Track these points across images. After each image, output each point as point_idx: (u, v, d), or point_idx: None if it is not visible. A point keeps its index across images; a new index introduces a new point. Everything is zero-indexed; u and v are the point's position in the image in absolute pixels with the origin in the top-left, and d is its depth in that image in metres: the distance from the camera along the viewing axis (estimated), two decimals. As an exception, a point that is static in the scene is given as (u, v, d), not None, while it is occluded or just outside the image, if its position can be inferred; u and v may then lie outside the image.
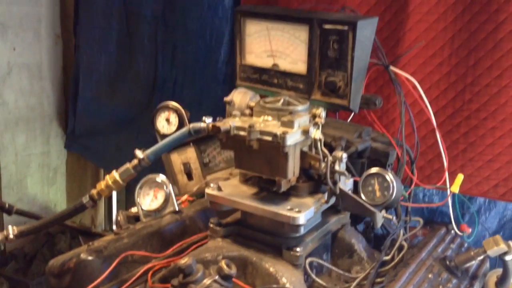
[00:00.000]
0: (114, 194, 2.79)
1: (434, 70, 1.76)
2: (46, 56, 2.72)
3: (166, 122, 1.47)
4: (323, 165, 1.05)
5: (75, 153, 2.88)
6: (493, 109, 1.69)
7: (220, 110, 1.19)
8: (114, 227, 1.33)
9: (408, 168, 1.37)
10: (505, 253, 1.10)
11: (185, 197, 1.39)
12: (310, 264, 1.05)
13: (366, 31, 1.20)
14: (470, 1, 1.66)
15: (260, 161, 1.05)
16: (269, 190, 1.09)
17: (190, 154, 1.49)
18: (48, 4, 2.68)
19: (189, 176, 1.49)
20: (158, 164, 1.49)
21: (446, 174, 1.39)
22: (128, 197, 2.78)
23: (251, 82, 1.31)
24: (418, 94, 1.50)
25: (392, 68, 1.43)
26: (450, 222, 1.42)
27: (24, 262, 2.57)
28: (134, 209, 1.30)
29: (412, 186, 1.34)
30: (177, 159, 1.49)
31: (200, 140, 1.49)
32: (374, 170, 1.14)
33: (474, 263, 1.16)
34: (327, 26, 1.18)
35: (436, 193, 1.83)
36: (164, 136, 1.42)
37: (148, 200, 1.28)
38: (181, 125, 1.45)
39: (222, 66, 2.21)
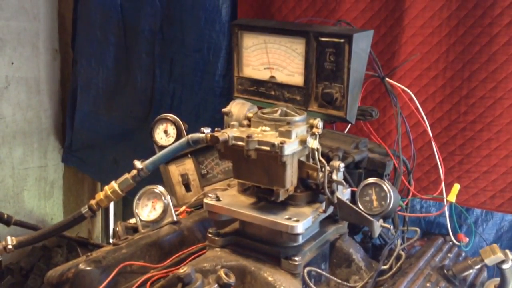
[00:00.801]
0: (111, 207, 2.79)
1: (430, 83, 1.78)
2: (44, 70, 2.73)
3: (164, 134, 1.48)
4: (320, 174, 1.06)
5: (72, 166, 2.88)
6: (489, 121, 1.71)
7: (218, 123, 1.20)
8: (111, 239, 1.33)
9: (405, 178, 1.38)
10: (502, 262, 1.11)
11: (183, 208, 1.40)
12: (309, 273, 1.05)
13: (362, 44, 1.21)
14: (464, 15, 1.69)
15: (258, 171, 1.06)
16: (267, 200, 1.09)
17: (188, 165, 1.50)
18: (46, 19, 2.70)
19: (187, 187, 1.49)
20: (156, 176, 1.49)
21: (443, 184, 1.40)
22: (125, 210, 2.78)
23: (248, 94, 1.33)
24: (415, 106, 1.51)
25: (388, 80, 1.45)
26: (448, 234, 1.42)
27: (21, 276, 2.55)
28: (132, 220, 1.30)
29: (409, 196, 1.35)
30: (175, 170, 1.49)
31: (198, 151, 1.50)
32: (371, 180, 1.15)
33: (472, 272, 1.16)
34: (324, 39, 1.20)
35: (433, 205, 1.83)
36: (162, 147, 1.43)
37: (147, 211, 1.28)
38: (179, 136, 1.46)
39: (220, 80, 2.23)
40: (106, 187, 1.11)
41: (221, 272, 0.93)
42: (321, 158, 1.06)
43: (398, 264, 1.14)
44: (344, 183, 1.07)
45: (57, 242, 2.74)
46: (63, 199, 2.91)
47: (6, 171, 2.61)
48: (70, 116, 2.74)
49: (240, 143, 1.05)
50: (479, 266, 1.13)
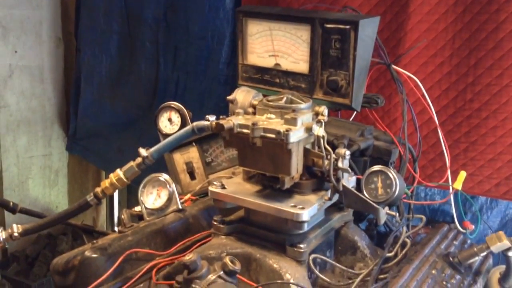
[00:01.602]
0: (116, 196, 2.80)
1: (435, 70, 1.76)
2: (48, 58, 2.73)
3: (169, 122, 1.48)
4: (326, 162, 1.06)
5: (76, 155, 2.88)
6: (494, 108, 1.70)
7: (222, 112, 1.20)
8: (116, 228, 1.33)
9: (410, 166, 1.37)
10: (508, 249, 1.11)
11: (188, 196, 1.40)
12: (314, 260, 1.05)
13: (368, 30, 1.20)
14: (471, 1, 1.67)
15: (264, 158, 1.06)
16: (272, 188, 1.09)
17: (192, 153, 1.50)
18: (49, 7, 2.70)
19: (192, 175, 1.49)
20: (161, 164, 1.49)
21: (448, 171, 1.39)
22: (129, 199, 2.79)
23: (253, 82, 1.32)
24: (421, 93, 1.50)
25: (394, 66, 1.44)
26: (452, 222, 1.42)
27: (26, 264, 2.57)
28: (137, 208, 1.30)
29: (415, 183, 1.35)
30: (179, 158, 1.49)
31: (202, 139, 1.49)
32: (376, 167, 1.14)
33: (477, 259, 1.16)
34: (329, 26, 1.19)
35: (438, 193, 1.83)
36: (166, 135, 1.42)
37: (152, 198, 1.28)
38: (183, 124, 1.45)
39: (224, 68, 2.22)
40: (111, 175, 1.11)
41: (227, 259, 0.93)
42: (326, 146, 1.06)
43: (404, 251, 1.14)
44: (350, 170, 1.07)
45: (63, 230, 2.76)
46: (68, 187, 2.92)
47: (11, 160, 2.62)
48: (74, 104, 2.74)
49: (245, 130, 1.04)
50: (485, 253, 1.13)
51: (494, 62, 1.68)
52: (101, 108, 2.67)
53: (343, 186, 1.06)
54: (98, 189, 1.11)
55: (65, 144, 2.86)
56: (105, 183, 1.11)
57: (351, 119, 1.58)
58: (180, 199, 1.31)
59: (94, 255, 1.08)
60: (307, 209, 1.02)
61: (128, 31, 2.49)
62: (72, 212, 1.12)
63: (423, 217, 1.25)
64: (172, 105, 1.48)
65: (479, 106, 1.72)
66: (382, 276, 1.08)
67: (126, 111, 2.59)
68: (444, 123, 1.77)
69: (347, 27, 1.16)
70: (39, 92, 2.71)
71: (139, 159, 1.10)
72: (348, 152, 1.07)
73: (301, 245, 1.03)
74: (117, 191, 2.77)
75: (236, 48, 1.34)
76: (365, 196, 1.11)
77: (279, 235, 1.07)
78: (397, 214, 1.19)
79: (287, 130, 1.00)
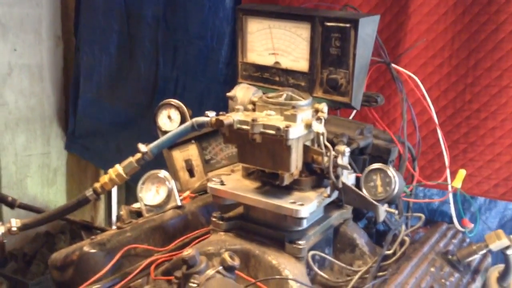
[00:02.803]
0: (114, 193, 2.79)
1: (435, 71, 1.77)
2: (47, 57, 2.73)
3: (168, 119, 1.48)
4: (325, 159, 1.06)
5: (75, 154, 2.88)
6: (493, 109, 1.71)
7: (221, 111, 1.20)
8: (113, 226, 1.33)
9: (409, 165, 1.37)
10: (507, 247, 1.11)
11: (187, 193, 1.39)
12: (313, 257, 1.05)
13: (368, 29, 1.20)
14: (471, 2, 1.68)
15: (263, 155, 1.06)
16: (272, 184, 1.09)
17: (192, 151, 1.49)
18: (48, 5, 2.70)
19: (191, 173, 1.49)
20: (160, 162, 1.49)
21: (447, 170, 1.39)
22: (127, 197, 2.78)
23: (253, 80, 1.32)
24: (420, 93, 1.50)
25: (393, 66, 1.44)
26: (451, 222, 1.42)
27: (24, 262, 2.57)
28: (136, 205, 1.30)
29: (414, 182, 1.35)
30: (179, 156, 1.49)
31: (202, 137, 1.49)
32: (376, 165, 1.15)
33: (476, 258, 1.16)
34: (329, 24, 1.19)
35: (436, 193, 1.83)
36: (165, 133, 1.42)
37: (151, 195, 1.28)
38: (183, 122, 1.45)
39: (223, 67, 2.23)
40: (111, 170, 1.11)
41: (226, 255, 0.93)
42: (326, 143, 1.06)
43: (403, 249, 1.14)
44: (349, 167, 1.07)
45: (61, 228, 2.75)
46: (66, 186, 2.92)
47: (9, 158, 2.62)
48: (73, 103, 2.74)
49: (245, 126, 1.04)
50: (483, 251, 1.13)
51: (494, 63, 1.69)
52: (100, 107, 2.67)
53: (343, 183, 1.06)
54: (97, 185, 1.11)
55: (64, 143, 2.86)
56: (104, 178, 1.11)
57: (350, 118, 1.58)
58: (179, 196, 1.31)
59: (93, 251, 1.08)
60: (306, 205, 1.02)
61: (128, 30, 2.49)
62: (71, 207, 1.12)
63: (422, 215, 1.25)
64: (172, 103, 1.48)
65: (478, 107, 1.73)
66: (380, 273, 1.08)
67: (125, 110, 2.59)
68: (443, 124, 1.77)
69: (347, 25, 1.16)
70: (38, 91, 2.71)
71: (138, 155, 1.10)
72: (347, 149, 1.07)
73: (300, 242, 1.03)
74: (116, 191, 2.79)
75: (235, 48, 1.34)
76: (364, 193, 1.11)
77: (278, 232, 1.07)
78: (396, 212, 1.19)
79: (287, 127, 1.00)
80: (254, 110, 1.12)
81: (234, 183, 1.12)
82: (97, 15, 2.55)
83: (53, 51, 2.76)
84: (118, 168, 1.11)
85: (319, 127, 1.06)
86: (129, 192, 2.76)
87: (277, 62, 1.28)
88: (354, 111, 1.59)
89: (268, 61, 1.29)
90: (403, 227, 1.19)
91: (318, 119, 1.08)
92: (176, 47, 2.36)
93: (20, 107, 2.64)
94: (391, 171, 1.12)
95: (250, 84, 1.29)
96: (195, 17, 2.26)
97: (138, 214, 1.28)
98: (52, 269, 1.09)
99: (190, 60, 2.33)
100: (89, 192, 1.10)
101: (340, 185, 1.06)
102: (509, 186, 1.73)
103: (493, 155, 1.73)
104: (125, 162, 1.11)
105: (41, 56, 2.70)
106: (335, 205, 1.18)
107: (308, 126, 1.05)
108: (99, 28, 2.56)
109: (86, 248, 1.08)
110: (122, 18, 2.50)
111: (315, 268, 1.04)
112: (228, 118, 1.05)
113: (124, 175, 1.10)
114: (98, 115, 2.68)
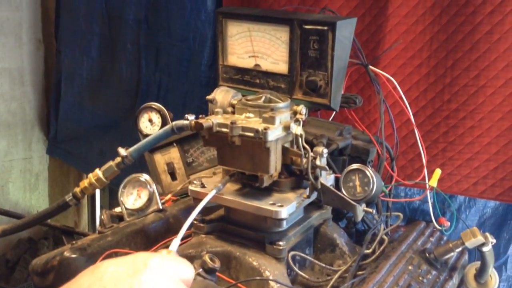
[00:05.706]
0: (98, 197, 2.78)
1: (414, 71, 1.79)
2: (28, 61, 2.71)
3: (149, 123, 1.48)
4: (304, 160, 1.07)
5: (57, 158, 2.86)
6: (472, 109, 1.73)
7: (204, 113, 1.21)
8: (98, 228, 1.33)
9: (388, 165, 1.39)
10: (483, 245, 1.13)
11: (168, 196, 1.40)
12: (293, 258, 1.06)
13: (346, 31, 1.22)
14: (447, 3, 1.70)
15: (243, 157, 1.07)
16: (252, 186, 1.10)
17: (173, 154, 1.50)
18: (29, 8, 2.68)
19: (173, 176, 1.49)
20: (142, 166, 1.49)
21: (425, 170, 1.41)
22: (111, 202, 2.77)
23: (233, 82, 1.33)
24: (399, 95, 1.53)
25: (371, 68, 1.46)
26: (431, 221, 1.44)
27: (6, 269, 2.54)
28: (117, 209, 1.30)
29: (393, 182, 1.37)
30: (160, 159, 1.49)
31: (183, 140, 1.50)
32: (354, 166, 1.16)
33: (453, 255, 1.18)
34: (307, 27, 1.20)
35: (417, 192, 1.86)
36: (147, 136, 1.42)
37: (132, 199, 1.28)
38: (164, 125, 1.45)
39: (206, 69, 2.23)
40: (90, 175, 1.11)
41: (206, 257, 0.93)
42: (304, 144, 1.07)
43: (381, 248, 1.15)
44: (327, 168, 1.08)
45: (43, 234, 2.73)
46: (49, 191, 2.90)
47: (-10, 163, 2.60)
48: (54, 107, 2.72)
49: (224, 129, 1.05)
50: (460, 249, 1.15)
51: (471, 63, 1.71)
52: (82, 110, 2.65)
53: (321, 184, 1.08)
54: (77, 189, 1.11)
55: (46, 147, 2.84)
56: (84, 183, 1.11)
57: (330, 120, 1.60)
58: (161, 199, 1.31)
59: (73, 255, 1.08)
60: (285, 206, 1.03)
61: (109, 33, 2.48)
62: (51, 212, 1.12)
63: (400, 214, 1.27)
64: (153, 106, 1.48)
65: (457, 106, 1.75)
66: (360, 272, 1.09)
67: (108, 113, 2.58)
68: (423, 124, 1.80)
69: (325, 28, 1.18)
70: (19, 95, 2.69)
71: (118, 159, 1.11)
72: (325, 150, 1.08)
73: (280, 243, 1.04)
74: (99, 195, 2.77)
75: (217, 49, 1.34)
76: (343, 194, 1.12)
77: (258, 233, 1.08)
78: (375, 211, 1.21)
79: (265, 129, 1.01)
80: (233, 112, 1.13)
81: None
82: (78, 17, 2.53)
83: (34, 54, 2.74)
84: (98, 172, 1.11)
85: (297, 129, 1.07)
86: (112, 196, 2.75)
87: (257, 65, 1.29)
88: (334, 112, 1.61)
89: (248, 63, 1.30)
90: (382, 226, 1.21)
91: (297, 121, 1.09)
92: (158, 49, 2.36)
93: (1, 111, 2.62)
94: (369, 172, 1.13)
95: (231, 87, 1.30)
96: (177, 20, 2.26)
97: (119, 218, 1.28)
98: (33, 275, 1.08)
99: (173, 63, 2.33)
100: (68, 197, 1.10)
101: (319, 186, 1.07)
102: (488, 184, 1.76)
103: (472, 154, 1.76)
104: (105, 166, 1.11)
105: (21, 60, 2.68)
106: (315, 205, 1.19)
107: (287, 128, 1.06)
108: (80, 31, 2.55)
109: (66, 253, 1.07)
110: (104, 21, 2.49)
111: (296, 269, 1.05)
112: (208, 121, 1.05)
113: (104, 180, 1.10)
114: (80, 118, 2.67)
